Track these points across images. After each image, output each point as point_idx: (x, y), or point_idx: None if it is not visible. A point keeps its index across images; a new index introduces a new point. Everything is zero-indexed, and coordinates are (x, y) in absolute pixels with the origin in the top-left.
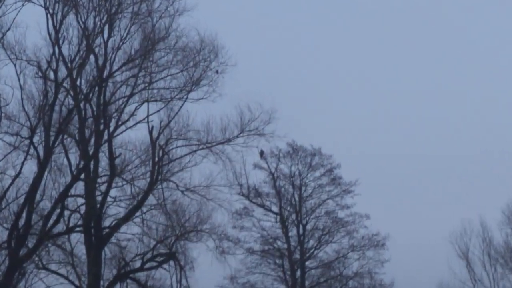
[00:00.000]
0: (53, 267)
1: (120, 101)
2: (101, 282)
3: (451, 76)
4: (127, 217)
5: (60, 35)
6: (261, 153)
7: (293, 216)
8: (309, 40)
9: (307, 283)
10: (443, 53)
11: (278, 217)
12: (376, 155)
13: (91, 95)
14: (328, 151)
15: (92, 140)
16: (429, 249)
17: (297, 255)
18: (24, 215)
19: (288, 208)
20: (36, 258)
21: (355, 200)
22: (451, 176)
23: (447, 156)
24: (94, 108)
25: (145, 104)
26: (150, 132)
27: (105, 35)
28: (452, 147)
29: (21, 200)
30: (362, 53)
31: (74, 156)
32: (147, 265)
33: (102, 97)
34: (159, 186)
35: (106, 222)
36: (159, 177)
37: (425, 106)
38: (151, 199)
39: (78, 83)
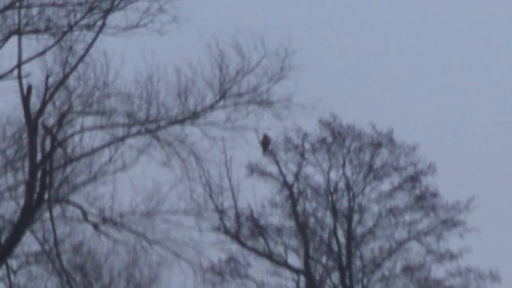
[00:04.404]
0: None
1: None
2: None
3: None
4: None
5: None
6: (264, 142)
7: (336, 276)
8: None
9: None
10: None
11: (303, 278)
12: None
13: None
14: (405, 138)
15: None
16: None
17: None
18: None
19: (325, 260)
20: None
21: (468, 240)
22: None
23: None
24: None
25: (14, 38)
26: (25, 99)
27: None
28: None
29: None
30: None
31: None
32: None
33: None
34: (46, 214)
35: None
36: (45, 195)
37: None
38: (30, 242)
39: None
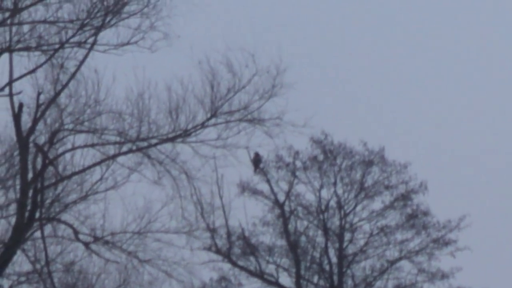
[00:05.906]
0: None
1: None
2: None
3: None
4: None
5: None
6: (256, 161)
7: None
8: None
9: None
10: None
11: None
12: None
13: None
14: (397, 156)
15: None
16: None
17: None
18: None
19: (316, 279)
20: None
21: (460, 260)
22: None
23: None
24: None
25: (5, 56)
26: (16, 117)
27: None
28: None
29: None
30: None
31: None
32: None
33: None
34: (37, 233)
35: None
36: (37, 213)
37: None
38: (21, 261)
39: None
